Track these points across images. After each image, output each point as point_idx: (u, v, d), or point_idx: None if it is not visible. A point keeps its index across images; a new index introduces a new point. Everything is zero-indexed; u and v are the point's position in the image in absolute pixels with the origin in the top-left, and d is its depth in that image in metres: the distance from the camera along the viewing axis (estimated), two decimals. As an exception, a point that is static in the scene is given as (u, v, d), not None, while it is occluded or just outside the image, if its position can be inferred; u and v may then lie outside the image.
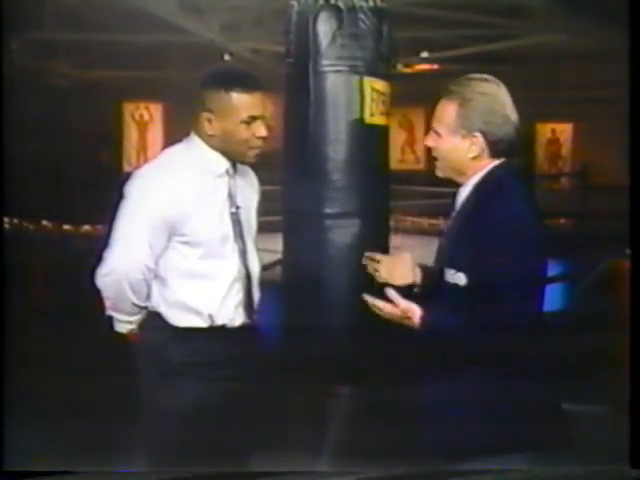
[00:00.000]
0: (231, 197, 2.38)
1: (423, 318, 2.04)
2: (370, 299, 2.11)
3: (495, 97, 2.11)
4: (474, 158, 2.11)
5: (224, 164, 2.37)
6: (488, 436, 2.03)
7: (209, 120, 2.32)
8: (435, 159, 2.19)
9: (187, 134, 2.41)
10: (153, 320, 2.38)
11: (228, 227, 2.37)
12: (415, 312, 2.05)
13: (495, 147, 2.11)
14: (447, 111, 2.12)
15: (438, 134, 2.14)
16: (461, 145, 2.11)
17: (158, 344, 2.36)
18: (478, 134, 2.09)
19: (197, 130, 2.37)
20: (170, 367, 2.33)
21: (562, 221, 8.39)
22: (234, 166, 2.40)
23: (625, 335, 2.68)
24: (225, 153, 2.36)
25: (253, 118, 2.30)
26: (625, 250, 4.04)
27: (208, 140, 2.35)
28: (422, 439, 2.17)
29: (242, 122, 2.30)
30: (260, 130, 2.32)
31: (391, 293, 2.08)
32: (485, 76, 2.15)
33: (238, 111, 2.29)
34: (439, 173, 2.19)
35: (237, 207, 2.39)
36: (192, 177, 2.33)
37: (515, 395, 2.02)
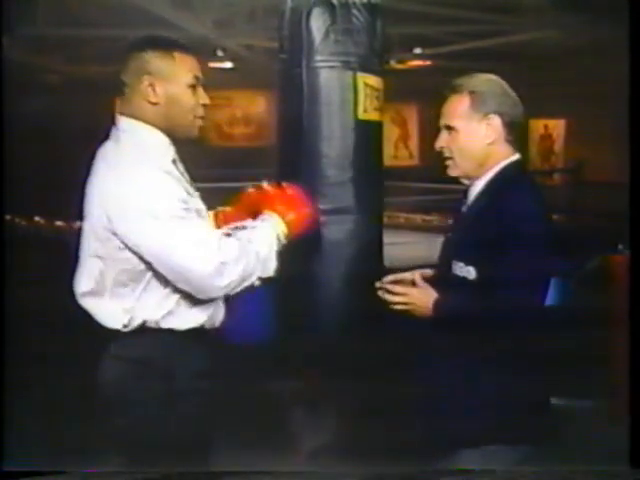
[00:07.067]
0: (185, 186, 2.15)
1: (437, 303, 2.08)
2: (383, 285, 2.16)
3: (502, 84, 2.19)
4: (491, 144, 2.14)
5: (171, 152, 2.15)
6: (487, 429, 2.04)
7: (152, 85, 2.09)
8: (447, 159, 2.21)
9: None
10: None
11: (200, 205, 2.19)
12: (431, 295, 2.10)
13: (509, 131, 2.15)
14: (460, 102, 2.16)
15: (450, 129, 2.17)
16: (478, 130, 2.15)
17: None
18: (494, 115, 2.14)
19: (135, 108, 2.12)
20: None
21: (555, 217, 8.40)
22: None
23: (617, 330, 2.69)
24: (170, 128, 2.13)
25: (197, 80, 2.14)
26: (617, 245, 4.06)
27: (150, 115, 2.11)
28: (418, 431, 2.18)
29: (188, 86, 2.12)
30: (204, 97, 2.15)
31: (415, 275, 2.19)
32: (487, 74, 2.23)
33: (184, 72, 2.11)
34: (453, 172, 2.21)
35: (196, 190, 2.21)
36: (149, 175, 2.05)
37: (512, 389, 2.03)
